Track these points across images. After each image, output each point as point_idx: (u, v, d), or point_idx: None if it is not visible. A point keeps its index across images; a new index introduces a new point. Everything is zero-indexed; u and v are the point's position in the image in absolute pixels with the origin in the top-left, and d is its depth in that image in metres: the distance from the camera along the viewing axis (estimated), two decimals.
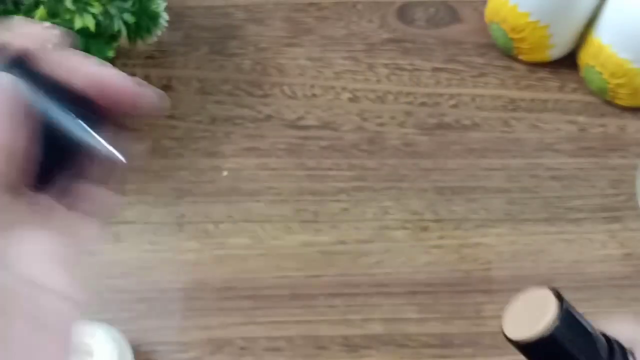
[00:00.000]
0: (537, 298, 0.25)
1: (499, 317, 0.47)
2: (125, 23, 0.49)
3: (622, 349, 0.25)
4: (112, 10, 0.48)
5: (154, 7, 0.52)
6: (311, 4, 0.59)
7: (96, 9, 0.45)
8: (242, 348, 0.44)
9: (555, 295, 0.25)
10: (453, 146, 0.53)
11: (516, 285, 0.48)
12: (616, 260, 0.49)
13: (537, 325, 0.24)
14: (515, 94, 0.56)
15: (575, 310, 0.25)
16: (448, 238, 0.49)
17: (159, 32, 0.54)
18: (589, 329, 0.25)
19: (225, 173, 0.50)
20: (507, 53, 0.57)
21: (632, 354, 0.25)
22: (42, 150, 0.22)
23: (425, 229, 0.49)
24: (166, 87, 0.54)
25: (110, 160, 0.23)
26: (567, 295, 0.25)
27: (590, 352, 0.25)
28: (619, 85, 0.53)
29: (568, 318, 0.24)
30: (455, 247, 0.48)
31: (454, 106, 0.55)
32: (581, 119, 0.55)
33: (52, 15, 0.44)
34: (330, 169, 0.51)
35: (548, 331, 0.24)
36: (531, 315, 0.24)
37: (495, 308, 0.46)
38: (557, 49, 0.55)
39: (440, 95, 0.55)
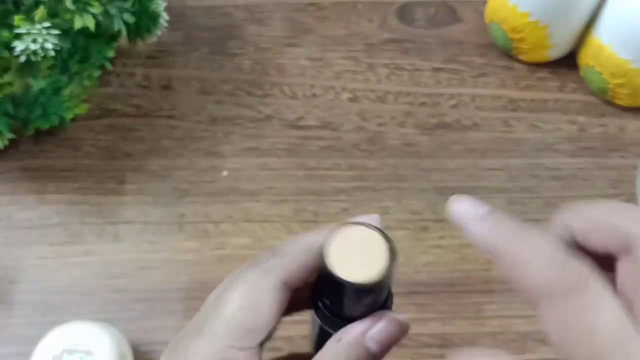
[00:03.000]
0: (363, 237, 0.25)
1: (499, 317, 0.48)
2: (125, 23, 0.49)
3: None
4: (112, 10, 0.48)
5: (154, 7, 0.52)
6: (311, 4, 0.59)
7: (96, 9, 0.45)
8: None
9: (384, 238, 0.25)
10: (453, 146, 0.53)
11: None
12: None
13: (372, 269, 0.24)
14: (515, 94, 0.56)
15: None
16: (448, 238, 0.49)
17: (159, 32, 0.54)
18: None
19: (225, 173, 0.50)
20: (507, 53, 0.57)
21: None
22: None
23: (425, 229, 0.49)
24: (166, 87, 0.54)
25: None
26: None
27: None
28: (619, 85, 0.53)
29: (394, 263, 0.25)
30: (455, 247, 0.48)
31: (454, 106, 0.55)
32: (581, 119, 0.55)
33: (52, 15, 0.44)
34: (330, 169, 0.51)
35: (381, 277, 0.24)
36: (362, 256, 0.24)
37: (495, 308, 0.46)
38: (557, 49, 0.55)
39: (440, 95, 0.55)
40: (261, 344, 0.26)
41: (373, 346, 0.26)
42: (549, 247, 0.23)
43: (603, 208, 0.26)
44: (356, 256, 0.25)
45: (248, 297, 0.26)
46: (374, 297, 0.26)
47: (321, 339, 0.27)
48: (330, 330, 0.27)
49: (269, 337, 0.26)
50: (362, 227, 0.25)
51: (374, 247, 0.25)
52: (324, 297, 0.27)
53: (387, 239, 0.25)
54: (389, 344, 0.27)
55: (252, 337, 0.26)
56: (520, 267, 0.23)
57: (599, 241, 0.25)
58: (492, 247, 0.24)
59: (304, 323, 0.29)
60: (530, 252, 0.23)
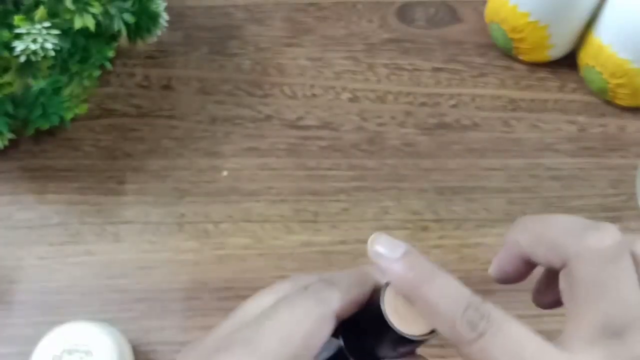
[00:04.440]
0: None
1: None
2: (125, 23, 0.49)
3: None
4: (112, 10, 0.48)
5: (154, 7, 0.52)
6: (311, 4, 0.59)
7: (96, 9, 0.45)
8: None
9: None
10: (453, 146, 0.53)
11: (516, 285, 0.48)
12: None
13: (419, 324, 0.26)
14: (515, 94, 0.56)
15: None
16: (448, 238, 0.49)
17: (159, 32, 0.54)
18: None
19: (225, 173, 0.50)
20: (507, 53, 0.57)
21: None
22: None
23: (425, 229, 0.49)
24: (166, 87, 0.54)
25: None
26: None
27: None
28: (619, 85, 0.53)
29: None
30: (455, 247, 0.48)
31: (454, 106, 0.55)
32: (581, 119, 0.55)
33: (52, 15, 0.44)
34: (330, 169, 0.51)
35: (429, 336, 0.26)
36: (411, 309, 0.26)
37: None
38: (557, 49, 0.55)
39: (440, 95, 0.55)
40: None
41: None
42: (454, 289, 0.25)
43: (545, 223, 0.27)
44: (408, 306, 0.26)
45: (302, 324, 0.26)
46: (411, 347, 0.27)
47: None
48: (351, 358, 0.27)
49: None
50: None
51: None
52: (361, 330, 0.27)
53: None
54: None
55: None
56: (430, 308, 0.25)
57: (543, 255, 0.26)
58: (408, 289, 0.25)
59: None
60: (438, 293, 0.25)
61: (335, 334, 0.28)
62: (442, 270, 0.26)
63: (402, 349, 0.27)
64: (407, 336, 0.25)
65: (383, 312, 0.25)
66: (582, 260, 0.25)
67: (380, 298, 0.26)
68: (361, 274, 0.28)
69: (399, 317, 0.25)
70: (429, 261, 0.26)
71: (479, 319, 0.24)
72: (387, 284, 0.26)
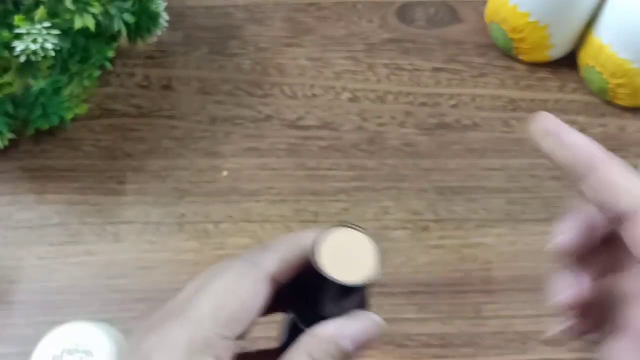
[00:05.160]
0: (353, 239, 0.26)
1: (499, 317, 0.48)
2: (125, 23, 0.49)
3: None
4: (112, 10, 0.48)
5: (154, 7, 0.52)
6: (311, 4, 0.59)
7: (96, 9, 0.45)
8: (241, 347, 0.43)
9: (373, 242, 0.26)
10: (453, 146, 0.53)
11: (516, 285, 0.48)
12: None
13: (360, 271, 0.25)
14: (515, 94, 0.56)
15: None
16: (448, 238, 0.49)
17: (159, 32, 0.54)
18: None
19: (225, 173, 0.50)
20: (507, 53, 0.57)
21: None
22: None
23: (425, 229, 0.49)
24: (166, 87, 0.54)
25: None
26: None
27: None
28: (619, 85, 0.53)
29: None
30: (455, 247, 0.48)
31: (454, 106, 0.55)
32: (581, 119, 0.55)
33: (52, 15, 0.44)
34: (330, 169, 0.51)
35: (370, 279, 0.25)
36: (350, 258, 0.26)
37: (495, 308, 0.46)
38: (557, 49, 0.55)
39: (440, 95, 0.55)
40: (238, 337, 0.26)
41: (348, 345, 0.26)
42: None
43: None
44: (345, 257, 0.25)
45: (236, 286, 0.26)
46: (356, 298, 0.27)
47: (293, 337, 0.27)
48: (304, 327, 0.27)
49: (246, 331, 0.26)
50: (352, 230, 0.26)
51: (362, 250, 0.26)
52: (304, 294, 0.27)
53: (375, 243, 0.26)
54: (363, 344, 0.27)
55: (234, 326, 0.26)
56: (613, 184, 0.25)
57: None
58: (587, 157, 0.26)
59: (270, 324, 0.29)
60: (620, 173, 0.25)
61: (286, 310, 0.28)
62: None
63: (347, 303, 0.27)
64: (346, 284, 0.25)
65: (318, 265, 0.25)
66: None
67: (315, 254, 0.25)
68: (294, 236, 0.28)
69: (336, 269, 0.25)
70: None
71: None
72: (318, 240, 0.26)
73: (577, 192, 0.27)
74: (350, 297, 0.26)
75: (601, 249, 0.28)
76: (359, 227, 0.27)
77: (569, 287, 0.27)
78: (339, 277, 0.25)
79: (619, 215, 0.25)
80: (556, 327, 0.28)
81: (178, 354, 0.25)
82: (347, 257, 0.26)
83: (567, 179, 0.27)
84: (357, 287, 0.25)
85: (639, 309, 0.26)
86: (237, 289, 0.26)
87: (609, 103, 0.55)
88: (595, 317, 0.28)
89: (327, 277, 0.25)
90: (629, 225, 0.25)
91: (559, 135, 0.27)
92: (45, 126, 0.48)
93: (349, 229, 0.26)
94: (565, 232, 0.27)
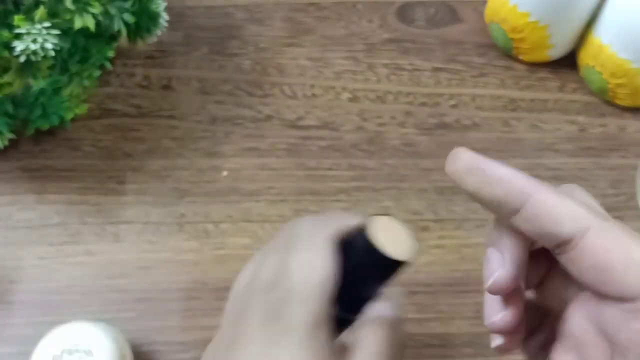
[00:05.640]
0: (392, 226, 0.28)
1: None
2: (125, 23, 0.49)
3: None
4: (112, 10, 0.48)
5: (154, 7, 0.52)
6: (311, 4, 0.59)
7: (96, 9, 0.45)
8: None
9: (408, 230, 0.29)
10: (453, 146, 0.52)
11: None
12: None
13: (403, 250, 0.28)
14: (515, 94, 0.56)
15: None
16: (448, 238, 0.49)
17: (159, 32, 0.54)
18: None
19: (225, 173, 0.50)
20: (507, 53, 0.57)
21: None
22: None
23: (425, 229, 0.49)
24: (166, 87, 0.54)
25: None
26: None
27: None
28: (619, 85, 0.53)
29: None
30: (455, 247, 0.48)
31: (454, 106, 0.55)
32: (581, 119, 0.55)
33: (52, 15, 0.44)
34: (330, 169, 0.51)
35: (413, 256, 0.28)
36: (394, 239, 0.28)
37: None
38: (557, 49, 0.55)
39: (440, 95, 0.55)
40: None
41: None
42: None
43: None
44: (389, 238, 0.28)
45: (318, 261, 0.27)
46: (394, 277, 0.29)
47: None
48: (338, 307, 0.28)
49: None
50: (391, 218, 0.29)
51: (401, 235, 0.28)
52: (348, 275, 0.28)
53: (411, 230, 0.29)
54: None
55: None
56: (552, 210, 0.24)
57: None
58: (519, 188, 0.25)
59: None
60: (557, 199, 0.25)
61: None
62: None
63: (387, 282, 0.29)
64: (398, 258, 0.27)
65: (370, 238, 0.27)
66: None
67: (368, 231, 0.27)
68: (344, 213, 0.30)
69: (384, 246, 0.27)
70: None
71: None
72: (367, 222, 0.28)
73: (507, 227, 0.27)
74: (393, 274, 0.29)
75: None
76: (393, 217, 0.29)
77: (499, 311, 0.28)
78: (387, 251, 0.27)
79: (562, 240, 0.24)
80: (493, 342, 0.29)
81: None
82: (390, 238, 0.28)
83: (495, 216, 0.27)
84: (403, 262, 0.28)
85: (574, 316, 0.26)
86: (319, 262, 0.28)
87: (609, 103, 0.55)
88: (531, 326, 0.29)
89: (381, 251, 0.27)
90: (574, 251, 0.24)
91: (484, 171, 0.26)
92: (45, 126, 0.48)
93: (388, 218, 0.28)
94: (500, 272, 0.27)
